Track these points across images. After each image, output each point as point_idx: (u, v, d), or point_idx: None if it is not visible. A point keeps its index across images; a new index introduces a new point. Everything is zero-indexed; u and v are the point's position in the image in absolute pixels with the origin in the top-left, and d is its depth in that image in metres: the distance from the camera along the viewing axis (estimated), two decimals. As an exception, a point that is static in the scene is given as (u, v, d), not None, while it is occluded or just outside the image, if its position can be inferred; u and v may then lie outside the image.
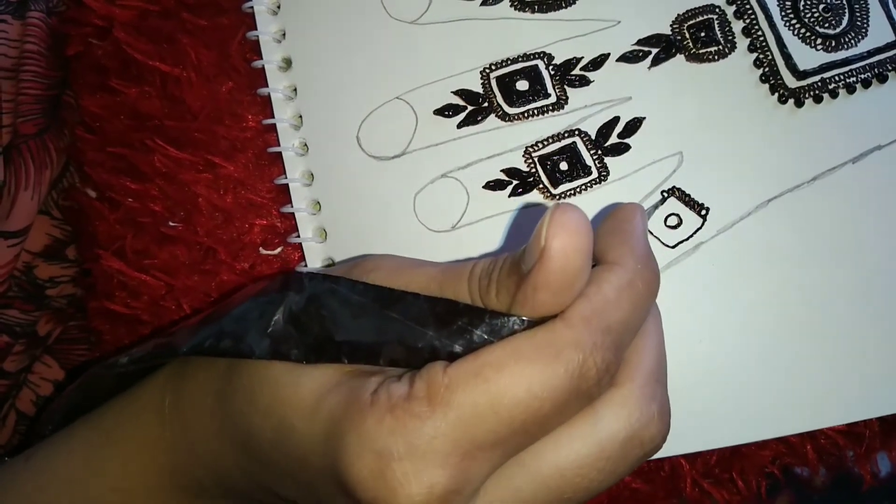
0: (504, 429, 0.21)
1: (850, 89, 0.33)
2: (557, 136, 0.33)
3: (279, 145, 0.34)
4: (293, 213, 0.34)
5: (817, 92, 0.33)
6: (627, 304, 0.22)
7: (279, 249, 0.34)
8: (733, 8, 0.34)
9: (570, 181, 0.33)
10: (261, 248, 0.34)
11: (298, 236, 0.34)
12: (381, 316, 0.23)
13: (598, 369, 0.21)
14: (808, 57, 0.33)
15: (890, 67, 0.33)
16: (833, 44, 0.33)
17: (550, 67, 0.33)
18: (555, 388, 0.21)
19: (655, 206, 0.32)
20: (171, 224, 0.34)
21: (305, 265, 0.33)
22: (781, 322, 0.33)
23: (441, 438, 0.21)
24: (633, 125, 0.33)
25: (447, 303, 0.23)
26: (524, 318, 0.22)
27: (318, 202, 0.34)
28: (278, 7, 0.34)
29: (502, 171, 0.33)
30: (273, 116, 0.34)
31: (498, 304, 0.23)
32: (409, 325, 0.23)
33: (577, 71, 0.33)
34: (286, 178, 0.34)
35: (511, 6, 0.34)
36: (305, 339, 0.24)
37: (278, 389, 0.24)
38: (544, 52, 0.34)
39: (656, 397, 0.23)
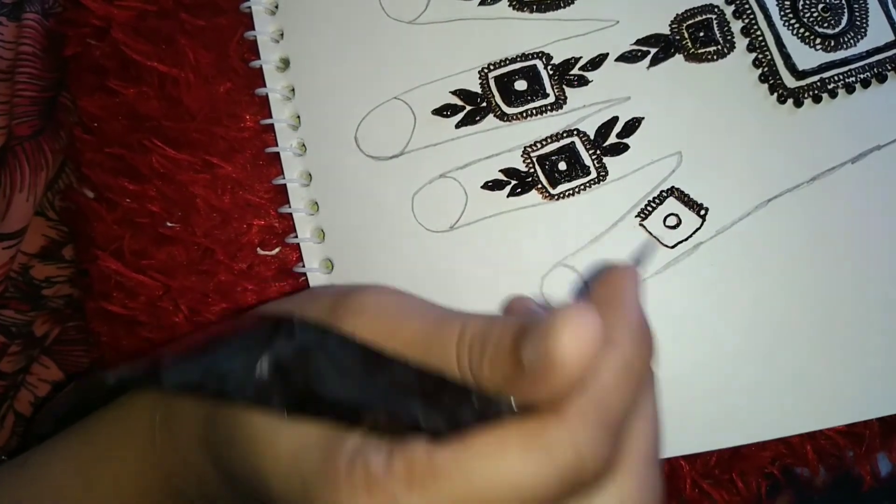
0: None
1: (850, 89, 0.33)
2: (556, 136, 0.33)
3: (277, 146, 0.33)
4: (291, 214, 0.33)
5: (816, 92, 0.33)
6: (626, 389, 0.21)
7: (277, 250, 0.33)
8: (732, 7, 0.33)
9: (569, 181, 0.33)
10: (258, 249, 0.33)
11: (296, 237, 0.33)
12: (368, 379, 0.22)
13: (596, 467, 0.20)
14: (807, 57, 0.33)
15: (889, 67, 0.33)
16: (832, 43, 0.33)
17: (549, 67, 0.33)
18: (545, 486, 0.19)
19: (643, 253, 0.32)
20: (168, 224, 0.33)
21: (303, 265, 0.33)
22: (781, 322, 0.32)
23: None
24: (632, 125, 0.33)
25: (436, 377, 0.22)
26: (515, 402, 0.21)
27: (316, 202, 0.33)
28: (276, 7, 0.34)
29: (501, 171, 0.33)
30: (271, 117, 0.33)
31: (489, 379, 0.21)
32: (394, 394, 0.22)
33: (575, 71, 0.33)
34: (284, 178, 0.33)
35: (509, 6, 0.33)
36: (288, 391, 0.23)
37: (255, 441, 0.23)
38: (543, 52, 0.33)
39: (652, 483, 0.22)
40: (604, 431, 0.20)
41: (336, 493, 0.20)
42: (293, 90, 0.34)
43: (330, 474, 0.21)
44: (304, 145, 0.34)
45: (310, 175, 0.33)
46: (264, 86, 0.34)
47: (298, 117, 0.34)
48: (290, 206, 0.33)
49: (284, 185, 0.33)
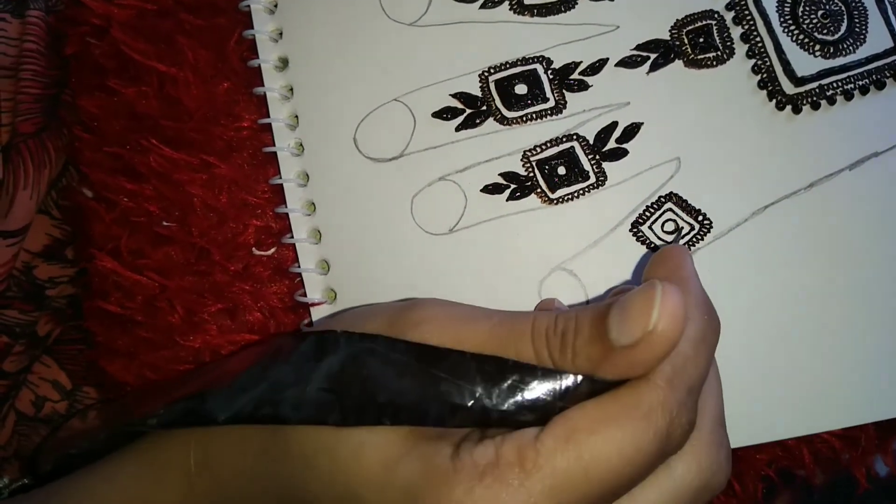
0: (595, 492, 0.19)
1: (848, 96, 0.30)
2: (555, 141, 0.30)
3: (275, 145, 0.30)
4: (287, 214, 0.30)
5: (815, 98, 0.30)
6: (703, 359, 0.21)
7: (272, 250, 0.30)
8: (732, 14, 0.30)
9: (568, 186, 0.30)
10: (254, 249, 0.30)
11: (292, 237, 0.30)
12: (427, 375, 0.21)
13: (683, 430, 0.20)
14: (806, 63, 0.30)
15: (888, 74, 0.30)
16: (831, 50, 0.30)
17: (549, 72, 0.30)
18: (645, 451, 0.19)
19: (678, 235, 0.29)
20: (164, 224, 0.30)
21: (298, 266, 0.30)
22: (778, 327, 0.30)
23: None
24: (631, 130, 0.30)
25: (496, 360, 0.21)
26: (582, 375, 0.20)
27: (313, 203, 0.30)
28: (275, 6, 0.31)
29: (500, 174, 0.30)
30: (269, 116, 0.30)
31: (573, 368, 0.21)
32: (456, 384, 0.20)
33: (575, 75, 0.30)
34: (281, 178, 0.30)
35: (510, 10, 0.31)
36: (345, 401, 0.21)
37: (336, 458, 0.21)
38: (543, 57, 0.30)
39: (723, 443, 0.22)
40: (688, 396, 0.20)
41: (449, 492, 0.19)
42: (291, 90, 0.31)
43: (438, 476, 0.19)
44: (301, 145, 0.30)
45: (307, 175, 0.30)
46: (263, 85, 0.30)
47: (297, 117, 0.31)
48: (286, 207, 0.30)
49: (281, 185, 0.30)
